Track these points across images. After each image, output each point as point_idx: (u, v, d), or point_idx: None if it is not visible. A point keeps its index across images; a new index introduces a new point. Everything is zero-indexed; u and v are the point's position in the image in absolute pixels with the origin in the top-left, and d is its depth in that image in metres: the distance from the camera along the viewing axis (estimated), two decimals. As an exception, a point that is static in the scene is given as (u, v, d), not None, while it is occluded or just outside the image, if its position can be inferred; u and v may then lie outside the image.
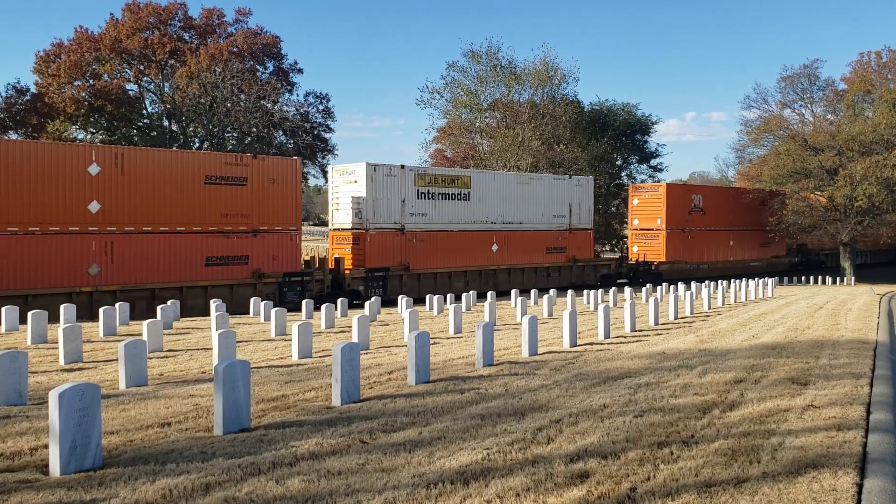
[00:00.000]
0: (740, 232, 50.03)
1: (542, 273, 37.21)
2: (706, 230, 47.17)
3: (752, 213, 50.93)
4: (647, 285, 34.36)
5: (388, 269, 31.21)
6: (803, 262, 56.43)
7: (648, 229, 45.20)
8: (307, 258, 31.83)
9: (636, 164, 68.25)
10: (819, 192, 50.38)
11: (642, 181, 62.38)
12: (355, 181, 31.36)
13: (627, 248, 48.89)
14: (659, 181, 62.92)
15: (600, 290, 29.05)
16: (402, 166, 32.16)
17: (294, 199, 28.59)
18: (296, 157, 30.83)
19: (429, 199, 32.97)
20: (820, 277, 48.53)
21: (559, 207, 38.48)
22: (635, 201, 46.62)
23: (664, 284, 35.04)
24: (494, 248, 35.25)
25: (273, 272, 27.58)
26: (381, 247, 31.33)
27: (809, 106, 57.16)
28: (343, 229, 31.84)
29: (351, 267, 30.72)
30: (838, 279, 48.59)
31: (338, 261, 30.72)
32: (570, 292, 27.15)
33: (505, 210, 35.92)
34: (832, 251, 57.79)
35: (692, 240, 46.11)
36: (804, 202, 49.79)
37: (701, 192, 48.65)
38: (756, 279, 34.53)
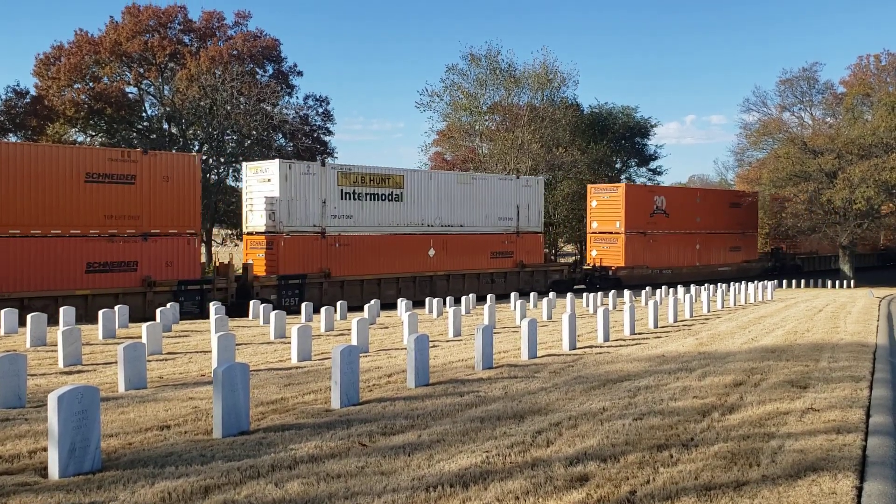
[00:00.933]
0: (708, 235, 47.56)
1: (485, 279, 34.75)
2: (669, 233, 44.60)
3: (722, 215, 48.73)
4: (611, 292, 31.31)
5: (306, 276, 28.60)
6: (778, 267, 53.42)
7: (607, 232, 42.61)
8: (220, 264, 29.41)
9: (635, 167, 68.34)
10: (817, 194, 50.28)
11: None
12: (268, 180, 28.62)
13: (585, 252, 46.72)
14: (658, 184, 62.87)
15: (599, 294, 28.96)
16: (323, 163, 29.81)
17: (192, 198, 26.24)
18: (195, 154, 29.04)
19: (355, 199, 30.27)
20: (820, 281, 48.48)
21: (506, 209, 36.02)
22: (594, 203, 43.91)
23: (626, 292, 31.94)
24: (431, 252, 32.81)
25: (167, 280, 25.16)
26: (297, 252, 28.58)
27: (808, 109, 57.29)
28: (256, 233, 28.99)
29: (263, 274, 28.10)
30: (837, 282, 48.57)
31: (246, 267, 28.05)
32: (569, 295, 27.13)
33: (444, 212, 33.49)
34: (810, 255, 56.20)
35: (654, 243, 43.50)
36: (802, 204, 49.73)
37: (664, 194, 45.89)
38: (756, 282, 34.53)
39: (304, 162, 29.82)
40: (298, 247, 28.71)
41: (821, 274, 51.12)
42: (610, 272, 40.62)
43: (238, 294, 26.74)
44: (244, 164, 31.83)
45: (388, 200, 31.60)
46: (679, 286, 33.35)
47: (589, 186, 45.74)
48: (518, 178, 37.35)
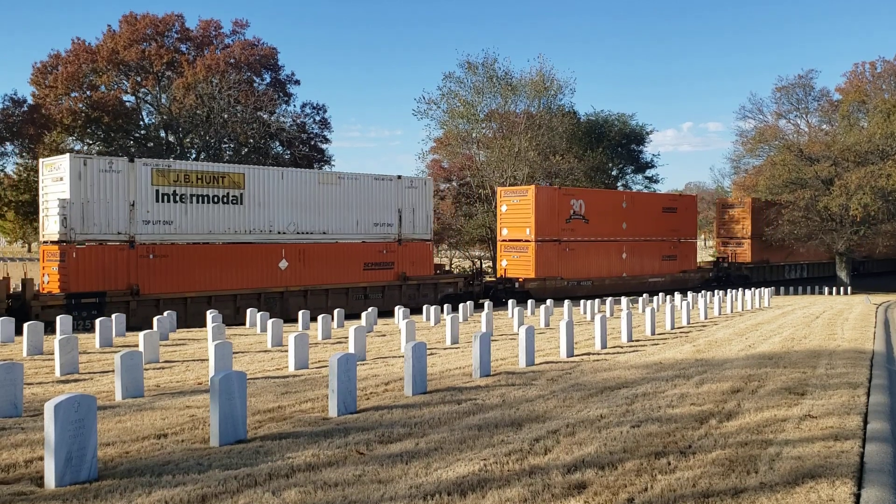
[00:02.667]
0: (637, 243, 43.18)
1: (356, 294, 30.16)
2: (589, 241, 40.36)
3: (653, 221, 44.50)
4: (518, 305, 27.54)
5: (105, 293, 23.92)
6: (722, 278, 49.41)
7: (517, 240, 38.42)
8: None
9: (632, 174, 68.51)
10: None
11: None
12: (61, 178, 24.18)
13: (496, 262, 42.37)
14: (654, 192, 62.87)
15: (596, 301, 28.93)
16: (132, 159, 25.17)
17: None
18: None
19: (176, 202, 25.61)
20: (817, 287, 48.49)
21: (384, 214, 31.51)
22: (504, 207, 39.57)
23: (543, 307, 26.43)
24: (283, 264, 28.21)
25: None
26: (94, 265, 24.01)
27: (804, 116, 57.54)
28: (51, 242, 24.23)
29: (50, 291, 23.67)
30: (834, 289, 48.62)
31: (24, 283, 23.48)
32: (566, 302, 27.14)
33: (300, 216, 28.89)
34: (759, 265, 53.14)
35: (570, 252, 39.21)
36: (799, 212, 49.72)
37: (583, 197, 41.15)
38: (752, 289, 34.56)
39: (107, 157, 25.70)
40: (97, 258, 24.11)
41: (772, 285, 46.99)
42: (517, 284, 36.38)
43: (16, 315, 21.67)
44: (40, 160, 27.31)
45: (224, 203, 26.81)
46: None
47: (498, 189, 41.86)
48: (400, 178, 32.53)
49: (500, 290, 35.73)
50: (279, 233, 28.40)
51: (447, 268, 40.20)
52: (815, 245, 52.35)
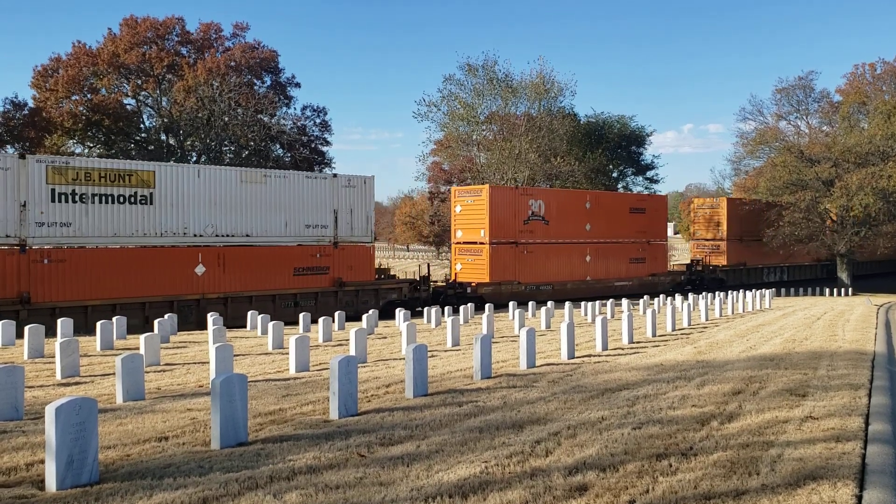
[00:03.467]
0: (603, 245, 41.07)
1: (285, 302, 27.89)
2: (550, 243, 38.22)
3: (620, 222, 42.38)
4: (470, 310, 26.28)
5: None
6: (695, 281, 46.90)
7: (471, 243, 36.21)
8: None
9: (632, 176, 68.57)
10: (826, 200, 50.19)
11: (638, 193, 61.64)
12: None
13: (451, 266, 39.87)
14: (655, 192, 62.72)
15: (597, 303, 28.89)
16: (23, 155, 23.40)
17: None
18: None
19: (76, 202, 23.60)
20: (818, 289, 48.42)
21: (317, 215, 29.23)
22: (458, 208, 37.26)
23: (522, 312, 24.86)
24: (200, 269, 26.02)
25: None
26: None
27: (805, 117, 57.57)
28: None
29: None
30: (836, 290, 48.60)
31: None
32: (567, 304, 27.12)
33: (220, 218, 26.68)
34: (735, 268, 51.17)
35: (529, 255, 37.02)
36: (800, 213, 49.69)
37: (542, 197, 38.80)
38: (753, 291, 34.53)
39: None
40: None
41: (750, 288, 42.07)
42: (469, 289, 34.06)
43: None
44: None
45: (132, 203, 24.66)
46: (596, 301, 29.20)
47: (452, 189, 39.39)
48: (335, 176, 30.57)
49: (451, 296, 33.28)
50: (195, 235, 26.22)
51: (392, 272, 38.44)
52: (816, 246, 52.28)
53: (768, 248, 51.61)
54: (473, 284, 34.47)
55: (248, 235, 27.50)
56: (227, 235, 26.99)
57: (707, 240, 52.24)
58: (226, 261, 26.85)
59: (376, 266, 37.59)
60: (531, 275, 36.93)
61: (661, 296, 34.04)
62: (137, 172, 25.03)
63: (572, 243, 39.49)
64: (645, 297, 32.89)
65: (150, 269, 25.07)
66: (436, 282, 35.56)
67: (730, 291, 35.97)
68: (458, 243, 37.18)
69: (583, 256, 39.95)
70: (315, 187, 29.46)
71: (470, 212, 36.49)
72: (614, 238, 41.81)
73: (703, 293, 35.90)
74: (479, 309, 29.60)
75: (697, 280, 47.13)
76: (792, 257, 54.63)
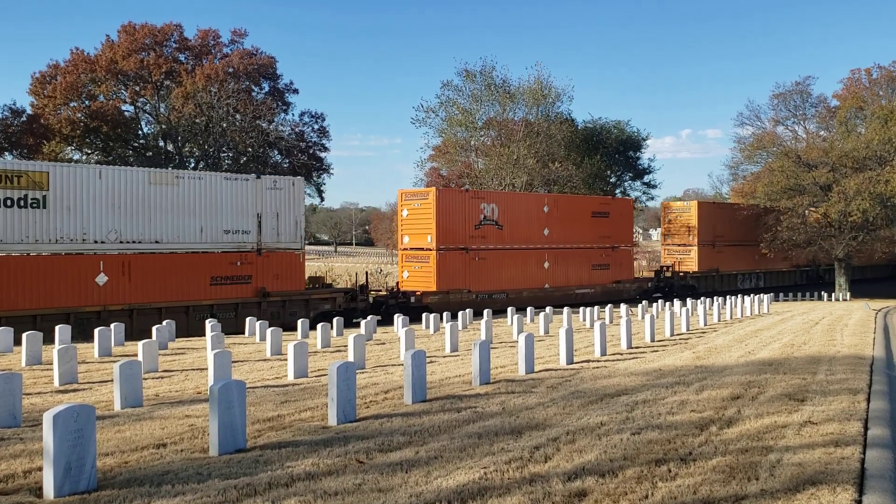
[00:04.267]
0: (563, 251, 38.73)
1: (200, 313, 25.37)
2: (504, 249, 35.91)
3: (582, 227, 40.02)
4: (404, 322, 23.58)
5: None
6: (664, 288, 45.18)
7: (418, 249, 33.99)
8: None
9: (630, 181, 68.63)
10: (813, 209, 50.24)
11: (636, 198, 61.40)
12: None
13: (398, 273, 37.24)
14: (652, 198, 62.68)
15: (595, 308, 28.85)
16: None
17: None
18: None
19: None
20: (816, 293, 48.42)
21: (238, 220, 26.86)
22: (405, 212, 34.87)
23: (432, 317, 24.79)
24: (102, 279, 23.87)
25: None
26: None
27: (802, 123, 57.62)
28: None
29: None
30: (833, 295, 48.62)
31: None
32: (566, 310, 27.12)
33: (125, 222, 24.50)
34: (707, 274, 48.69)
35: (481, 262, 34.77)
36: (799, 218, 49.72)
37: (496, 201, 36.39)
38: (752, 295, 34.55)
39: None
40: None
41: (723, 295, 40.73)
42: (412, 299, 31.99)
43: None
44: None
45: (20, 207, 22.59)
46: (595, 307, 28.14)
47: (399, 192, 36.55)
48: (259, 177, 28.31)
49: (393, 306, 31.02)
50: (96, 242, 24.03)
51: (329, 281, 36.49)
52: (814, 251, 52.27)
53: (743, 252, 50.11)
54: (418, 293, 32.37)
55: (157, 242, 25.22)
56: (134, 242, 24.77)
57: (678, 245, 49.81)
58: (131, 269, 24.65)
59: (314, 275, 35.87)
60: (483, 283, 34.83)
61: (625, 305, 31.66)
62: (28, 173, 23.00)
63: (529, 249, 37.31)
64: (609, 305, 31.99)
65: (43, 279, 22.98)
66: (379, 291, 34.06)
67: (704, 298, 34.55)
68: (405, 250, 34.96)
69: (541, 263, 37.75)
70: (235, 189, 27.06)
71: (417, 216, 34.19)
72: (575, 243, 39.62)
73: (674, 301, 34.80)
74: (416, 321, 27.07)
75: (666, 287, 45.28)
76: (768, 263, 53.16)
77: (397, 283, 35.07)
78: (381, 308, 30.84)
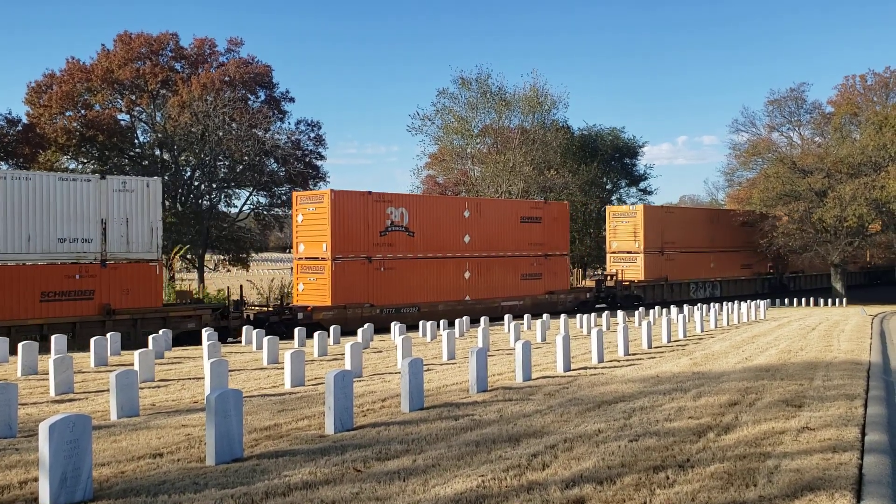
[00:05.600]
0: (486, 260, 35.13)
1: (27, 335, 20.93)
2: (415, 258, 32.30)
3: (510, 234, 36.40)
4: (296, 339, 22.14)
5: None
6: (605, 299, 41.92)
7: (313, 259, 30.30)
8: None
9: (626, 188, 68.79)
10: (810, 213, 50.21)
11: (632, 204, 60.94)
12: None
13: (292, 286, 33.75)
14: (648, 204, 62.57)
15: (593, 315, 28.87)
16: None
17: None
18: None
19: None
20: (812, 299, 48.42)
21: (77, 226, 23.48)
22: (300, 217, 31.20)
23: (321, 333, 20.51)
24: None
25: None
26: None
27: (797, 129, 57.77)
28: None
29: None
30: (830, 300, 48.67)
31: None
32: (562, 316, 27.10)
33: None
34: (654, 283, 45.12)
35: (387, 273, 31.15)
36: (794, 224, 49.80)
37: (405, 205, 32.61)
38: (748, 301, 34.57)
39: None
40: None
41: (673, 305, 36.80)
42: (300, 315, 28.16)
43: None
44: None
45: None
46: (592, 314, 26.69)
47: (294, 195, 33.13)
48: (104, 177, 24.96)
49: (276, 324, 27.61)
50: None
51: (199, 296, 32.96)
52: (810, 257, 52.34)
53: (697, 260, 47.68)
54: (309, 309, 28.73)
55: None
56: None
57: (623, 252, 46.06)
58: None
59: (185, 289, 32.64)
60: (390, 296, 31.10)
61: (564, 315, 28.15)
62: None
63: (446, 258, 33.56)
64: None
65: None
66: (264, 307, 30.52)
67: (650, 309, 32.71)
68: (300, 260, 31.12)
69: (460, 273, 34.05)
70: (73, 191, 23.55)
71: (312, 222, 30.46)
72: (502, 251, 35.91)
73: (617, 313, 32.22)
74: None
75: (607, 297, 42.03)
76: (726, 270, 50.67)
77: (281, 297, 32.05)
78: (263, 325, 26.76)
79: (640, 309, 28.20)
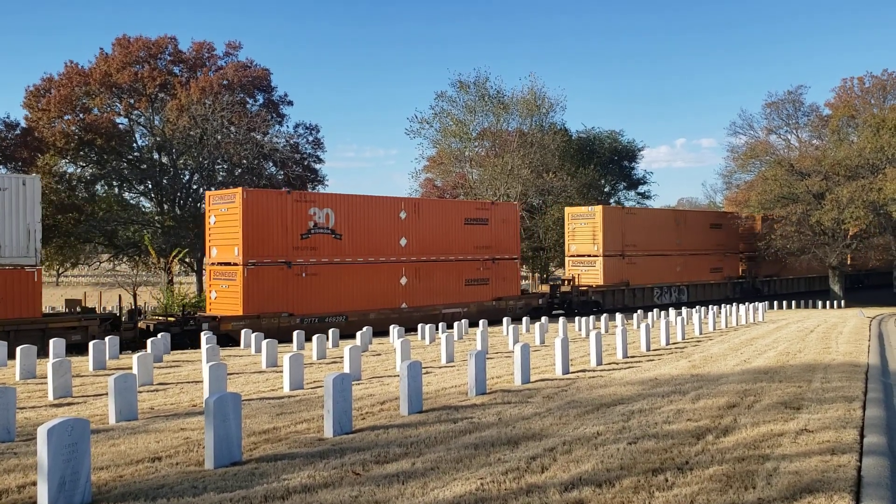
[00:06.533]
0: (426, 265, 32.60)
1: None
2: (343, 263, 29.72)
3: (452, 237, 33.85)
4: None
5: None
6: (563, 305, 39.55)
7: (226, 264, 27.66)
8: None
9: (624, 191, 68.83)
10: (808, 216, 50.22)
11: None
12: None
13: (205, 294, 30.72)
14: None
15: (591, 318, 28.85)
16: None
17: None
18: None
19: None
20: (811, 301, 48.43)
21: None
22: (212, 219, 28.55)
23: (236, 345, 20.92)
24: None
25: None
26: None
27: (795, 131, 57.87)
28: None
29: None
30: (828, 303, 48.70)
31: None
32: (561, 320, 27.11)
33: None
34: (615, 287, 42.49)
35: (310, 279, 28.58)
36: (793, 226, 49.82)
37: (331, 205, 29.85)
38: (746, 304, 34.58)
39: None
40: None
41: (635, 311, 34.31)
42: (204, 326, 25.60)
43: None
44: None
45: None
46: (591, 317, 25.32)
47: (207, 194, 30.50)
48: None
49: (178, 335, 25.16)
50: None
51: (90, 306, 30.33)
52: (808, 259, 52.32)
53: (662, 263, 45.57)
54: (217, 319, 26.23)
55: None
56: None
57: (582, 255, 43.54)
58: None
59: (74, 298, 29.92)
60: (313, 304, 28.54)
61: (562, 318, 27.23)
62: None
63: (380, 263, 30.98)
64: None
65: None
66: (169, 316, 27.20)
67: (609, 314, 31.11)
68: (212, 265, 28.47)
69: (396, 279, 31.50)
70: None
71: (224, 223, 27.80)
72: (444, 255, 33.34)
73: (576, 319, 29.27)
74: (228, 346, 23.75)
75: (561, 303, 39.61)
76: (694, 274, 48.27)
77: (183, 306, 29.46)
78: (168, 330, 24.66)
79: (605, 315, 26.71)
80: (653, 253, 45.54)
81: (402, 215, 32.20)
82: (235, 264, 27.09)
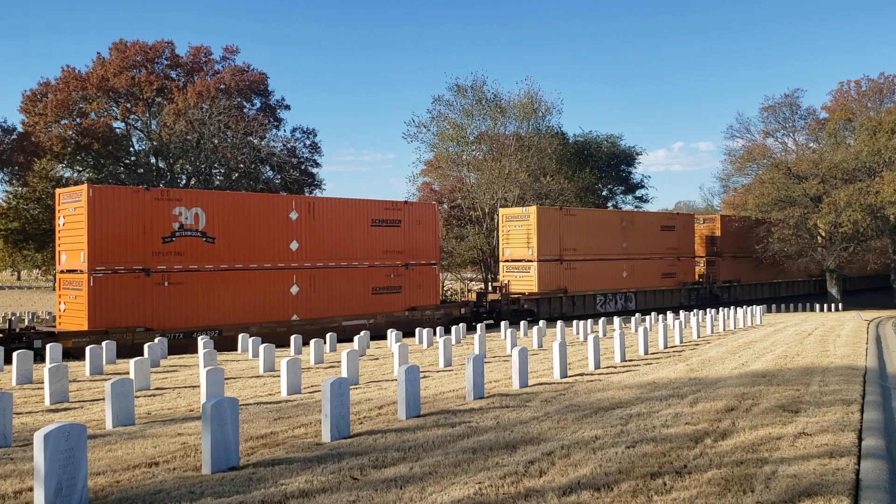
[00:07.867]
0: (323, 271, 29.22)
1: None
2: (217, 270, 26.32)
3: (357, 240, 30.40)
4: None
5: None
6: (491, 314, 36.59)
7: (73, 271, 24.43)
8: None
9: (621, 195, 68.90)
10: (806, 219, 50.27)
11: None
12: None
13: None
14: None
15: (589, 321, 28.87)
16: None
17: None
18: None
19: None
20: (808, 304, 48.44)
21: None
22: (61, 220, 25.17)
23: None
24: None
25: None
26: None
27: (792, 135, 58.04)
28: None
29: None
30: (826, 306, 48.75)
31: None
32: (559, 322, 27.10)
33: None
34: (551, 295, 39.16)
35: (173, 289, 25.16)
36: (789, 230, 49.90)
37: (201, 204, 26.33)
38: (745, 307, 34.62)
39: None
40: None
41: (575, 320, 31.58)
42: (38, 343, 22.37)
43: None
44: None
45: None
46: (589, 320, 23.92)
47: (57, 192, 26.37)
48: None
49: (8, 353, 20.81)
50: None
51: None
52: (805, 262, 52.36)
53: (607, 268, 42.65)
54: (55, 335, 22.84)
55: None
56: None
57: (516, 260, 39.85)
58: None
59: None
60: (177, 317, 25.20)
61: (560, 322, 25.39)
62: None
63: (264, 270, 27.61)
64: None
65: None
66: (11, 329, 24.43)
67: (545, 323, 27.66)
68: (61, 273, 25.22)
69: (285, 287, 28.15)
70: None
71: (72, 225, 24.55)
72: (346, 260, 29.96)
73: (502, 329, 26.35)
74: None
75: (489, 313, 36.52)
76: (646, 280, 45.18)
77: (10, 320, 25.32)
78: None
79: (560, 322, 24.52)
80: (596, 257, 42.20)
81: (293, 216, 28.63)
82: (81, 272, 23.92)
